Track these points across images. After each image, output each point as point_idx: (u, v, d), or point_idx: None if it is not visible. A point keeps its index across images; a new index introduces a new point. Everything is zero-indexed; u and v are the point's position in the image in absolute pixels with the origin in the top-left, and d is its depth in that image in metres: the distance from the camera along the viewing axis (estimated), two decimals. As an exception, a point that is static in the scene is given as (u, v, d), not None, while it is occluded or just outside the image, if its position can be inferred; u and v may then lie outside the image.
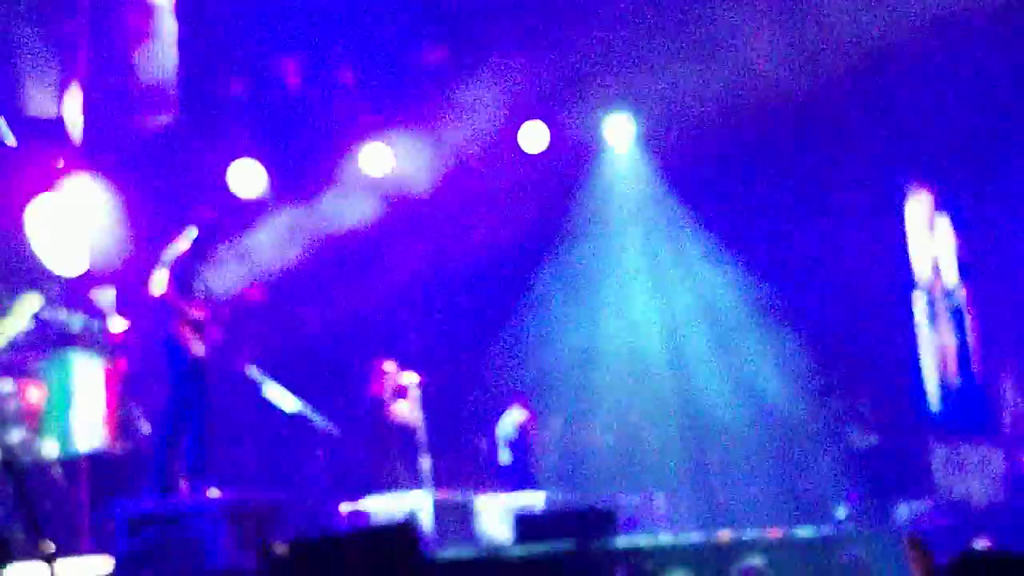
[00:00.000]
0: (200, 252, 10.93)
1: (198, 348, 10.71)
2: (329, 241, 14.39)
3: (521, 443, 14.22)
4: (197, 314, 10.71)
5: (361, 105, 15.09)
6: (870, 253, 14.81)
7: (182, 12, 14.20)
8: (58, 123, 13.45)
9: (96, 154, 13.46)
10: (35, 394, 11.90)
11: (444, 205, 15.07)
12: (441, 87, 14.80)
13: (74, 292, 13.07)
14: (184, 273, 10.74)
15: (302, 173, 14.70)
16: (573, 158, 15.43)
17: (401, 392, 13.47)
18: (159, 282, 10.63)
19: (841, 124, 14.51)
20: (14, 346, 11.84)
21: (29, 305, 11.84)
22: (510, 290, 15.41)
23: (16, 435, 11.46)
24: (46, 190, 12.95)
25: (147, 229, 12.64)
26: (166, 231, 11.14)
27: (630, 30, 14.22)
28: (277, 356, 13.42)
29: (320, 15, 14.41)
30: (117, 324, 12.74)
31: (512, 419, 14.30)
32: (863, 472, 13.90)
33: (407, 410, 13.34)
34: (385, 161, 14.94)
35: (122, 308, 12.88)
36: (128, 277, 12.39)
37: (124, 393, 12.54)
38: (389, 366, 13.69)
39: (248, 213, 14.28)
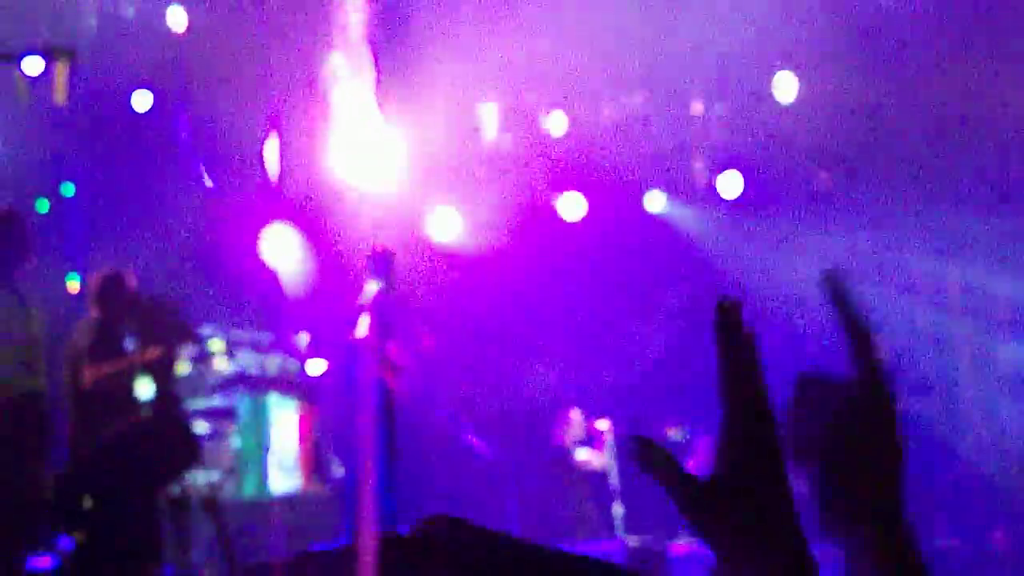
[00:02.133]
0: (398, 296, 11.07)
1: (397, 391, 10.82)
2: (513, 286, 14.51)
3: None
4: (397, 358, 10.81)
5: (559, 156, 15.18)
6: None
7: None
8: (259, 167, 13.84)
9: (291, 200, 13.74)
10: (232, 436, 12.16)
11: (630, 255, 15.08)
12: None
13: (270, 335, 13.28)
14: (385, 316, 10.88)
15: (496, 222, 14.78)
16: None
17: (590, 439, 13.41)
18: (362, 325, 10.76)
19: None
20: (211, 388, 12.10)
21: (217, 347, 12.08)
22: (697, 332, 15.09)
23: (214, 476, 11.51)
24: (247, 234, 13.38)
25: (340, 276, 12.74)
26: (358, 278, 11.20)
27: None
28: (466, 403, 13.40)
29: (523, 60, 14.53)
30: (313, 367, 12.94)
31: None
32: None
33: (596, 456, 13.28)
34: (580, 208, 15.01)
35: (318, 351, 13.10)
36: (323, 321, 12.51)
37: (319, 436, 12.72)
38: (575, 415, 13.60)
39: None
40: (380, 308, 10.82)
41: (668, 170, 15.12)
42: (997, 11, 13.09)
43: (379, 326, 10.76)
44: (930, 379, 13.80)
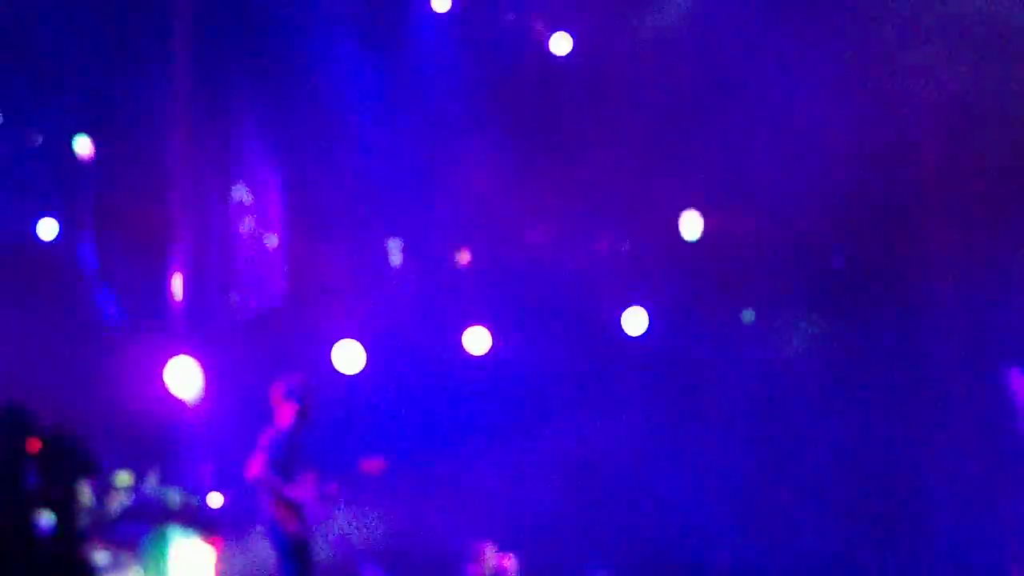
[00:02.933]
0: (300, 432, 11.00)
1: (298, 528, 10.73)
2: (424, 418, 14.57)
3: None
4: (295, 495, 10.75)
5: (467, 288, 15.35)
6: None
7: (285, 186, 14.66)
8: (163, 303, 13.94)
9: (197, 335, 13.84)
10: (133, 569, 11.96)
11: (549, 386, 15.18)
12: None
13: (173, 468, 13.29)
14: (280, 454, 10.83)
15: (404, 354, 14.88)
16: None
17: (499, 574, 13.37)
18: (253, 464, 10.75)
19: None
20: (113, 519, 12.00)
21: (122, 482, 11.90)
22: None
23: None
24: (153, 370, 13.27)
25: (248, 408, 12.61)
26: (266, 411, 11.23)
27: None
28: (375, 533, 13.38)
29: (423, 195, 14.70)
30: (215, 500, 12.81)
31: None
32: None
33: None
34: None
35: (220, 485, 12.98)
36: (226, 455, 12.44)
37: (221, 569, 12.52)
38: (488, 550, 13.55)
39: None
40: (276, 446, 10.83)
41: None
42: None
43: (273, 464, 10.73)
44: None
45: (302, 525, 10.80)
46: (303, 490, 10.82)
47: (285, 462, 10.84)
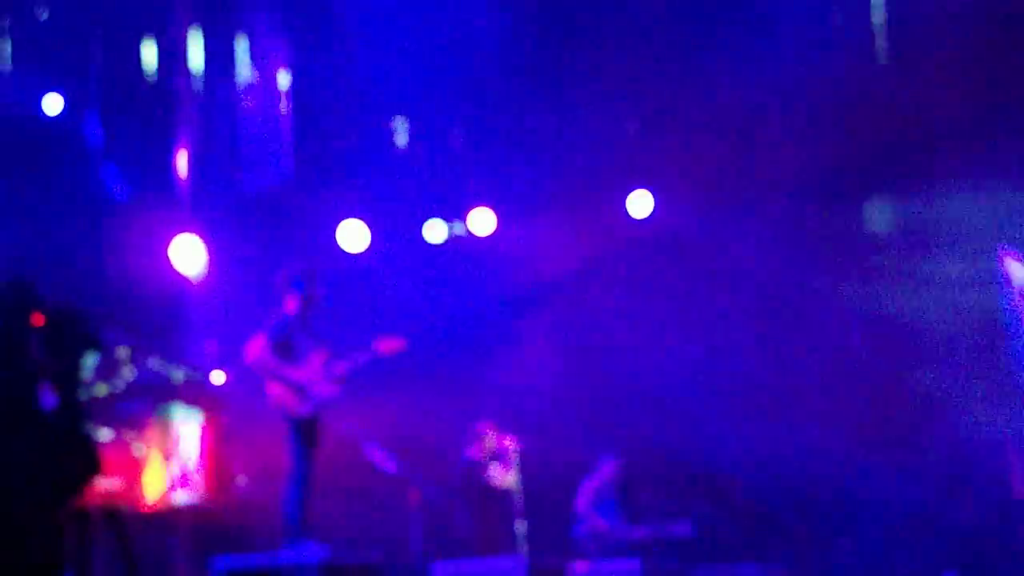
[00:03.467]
0: (306, 315, 11.04)
1: (301, 409, 10.80)
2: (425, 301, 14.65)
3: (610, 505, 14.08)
4: (297, 376, 10.80)
5: (469, 170, 15.32)
6: None
7: (294, 67, 14.62)
8: (168, 179, 14.00)
9: (202, 212, 13.91)
10: (135, 445, 12.19)
11: (552, 271, 15.23)
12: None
13: (177, 346, 13.41)
14: (281, 336, 10.89)
15: (409, 235, 14.97)
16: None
17: (499, 455, 13.46)
18: (252, 347, 10.79)
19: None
20: (116, 395, 12.09)
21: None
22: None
23: (116, 485, 11.66)
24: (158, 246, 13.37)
25: (253, 287, 12.75)
26: (272, 290, 11.25)
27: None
28: (379, 415, 13.46)
29: (433, 75, 14.62)
30: (218, 378, 12.88)
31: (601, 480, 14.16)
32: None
33: (504, 473, 13.35)
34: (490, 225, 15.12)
35: (223, 362, 13.01)
36: (230, 332, 12.50)
37: (223, 447, 12.75)
38: (487, 428, 13.65)
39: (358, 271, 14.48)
40: (277, 328, 10.88)
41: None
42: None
43: (275, 346, 10.78)
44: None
45: (304, 406, 10.85)
46: (306, 372, 10.88)
47: (289, 345, 10.88)
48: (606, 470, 14.01)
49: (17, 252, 11.58)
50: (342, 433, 12.48)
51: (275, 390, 10.83)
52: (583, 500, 13.74)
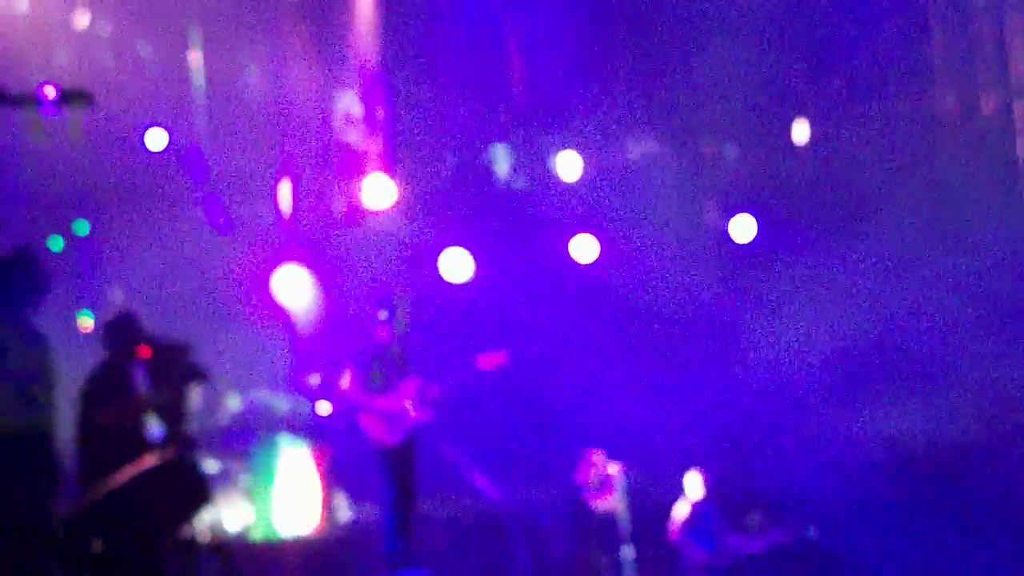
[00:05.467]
0: (397, 343, 11.13)
1: (390, 438, 10.85)
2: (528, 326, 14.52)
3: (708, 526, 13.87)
4: (386, 405, 10.83)
5: (570, 199, 15.29)
6: None
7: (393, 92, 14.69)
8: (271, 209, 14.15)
9: (303, 240, 14.01)
10: (241, 476, 12.25)
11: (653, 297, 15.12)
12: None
13: (282, 376, 13.45)
14: (372, 364, 11.02)
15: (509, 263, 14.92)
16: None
17: (604, 481, 13.31)
18: (341, 381, 11.00)
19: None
20: (221, 427, 12.24)
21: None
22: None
23: (224, 517, 11.52)
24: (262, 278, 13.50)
25: (355, 317, 12.74)
26: (372, 317, 11.30)
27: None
28: (480, 440, 13.40)
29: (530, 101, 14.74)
30: (323, 408, 12.76)
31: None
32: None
33: (611, 500, 13.20)
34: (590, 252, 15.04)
35: (328, 393, 13.01)
36: (335, 361, 12.44)
37: (329, 478, 12.73)
38: (596, 456, 13.49)
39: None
40: (360, 359, 11.02)
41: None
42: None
43: (360, 378, 10.92)
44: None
45: (394, 435, 10.91)
46: (397, 399, 10.89)
47: (380, 373, 11.02)
48: (696, 491, 13.82)
49: (123, 286, 11.64)
50: (442, 459, 12.45)
51: (366, 421, 10.94)
52: (677, 525, 13.58)
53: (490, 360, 11.35)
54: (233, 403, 12.73)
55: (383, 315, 11.15)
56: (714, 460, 14.12)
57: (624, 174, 15.28)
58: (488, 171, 15.32)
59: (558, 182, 15.29)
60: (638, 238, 15.07)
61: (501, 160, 15.32)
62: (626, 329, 15.07)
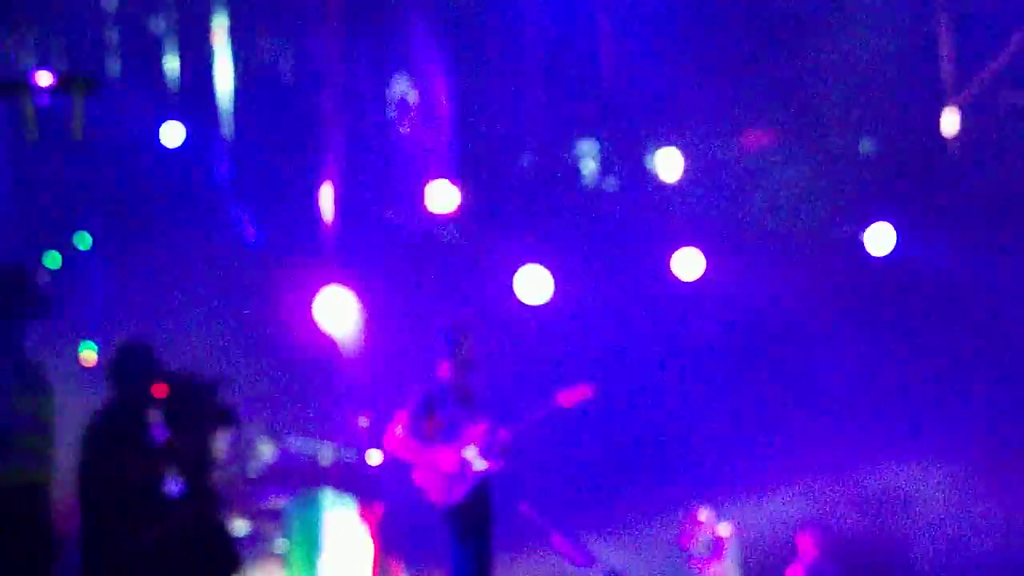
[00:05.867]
0: (460, 375, 11.09)
1: (450, 496, 10.89)
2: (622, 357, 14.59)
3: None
4: (444, 458, 10.88)
5: (675, 203, 15.35)
6: None
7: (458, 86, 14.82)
8: (311, 220, 14.16)
9: (352, 260, 14.06)
10: (277, 539, 12.29)
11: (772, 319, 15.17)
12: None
13: (324, 419, 13.52)
14: (429, 408, 11.01)
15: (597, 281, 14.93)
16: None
17: (716, 546, 13.37)
18: (390, 431, 11.01)
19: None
20: (253, 480, 12.33)
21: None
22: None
23: None
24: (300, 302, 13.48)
25: (414, 348, 12.77)
26: (433, 348, 11.30)
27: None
28: (564, 494, 13.43)
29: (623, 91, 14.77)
30: (374, 457, 12.96)
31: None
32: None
33: (721, 569, 13.28)
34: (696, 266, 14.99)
35: (379, 440, 13.01)
36: (387, 402, 12.39)
37: (384, 542, 12.74)
38: (703, 513, 13.52)
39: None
40: (412, 413, 10.98)
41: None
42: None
43: (415, 433, 10.91)
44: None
45: (454, 492, 10.88)
46: (457, 449, 10.89)
47: (441, 416, 10.99)
48: (807, 549, 13.99)
49: (133, 310, 11.67)
50: (518, 518, 12.30)
51: (423, 473, 10.93)
52: None
53: (573, 396, 11.21)
54: (267, 451, 12.75)
55: (446, 345, 11.13)
56: (845, 517, 14.39)
57: (736, 175, 15.26)
58: (573, 172, 15.28)
59: (657, 183, 15.30)
60: (751, 250, 15.12)
61: (588, 159, 15.26)
62: (737, 359, 15.07)
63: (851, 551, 14.38)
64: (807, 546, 13.96)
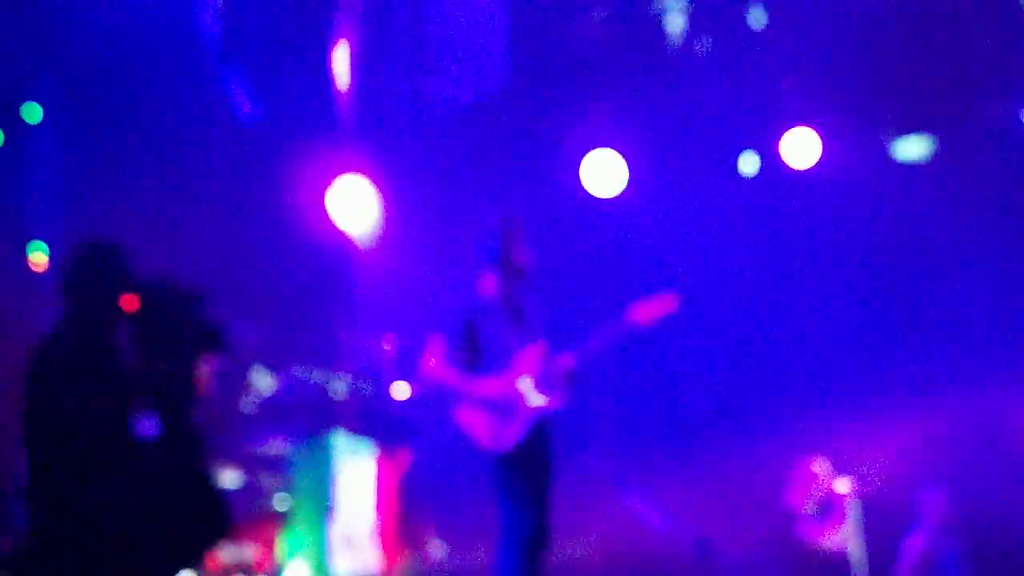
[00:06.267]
0: (508, 289, 10.88)
1: (504, 438, 10.60)
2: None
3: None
4: (496, 390, 10.60)
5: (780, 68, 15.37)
6: None
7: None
8: (322, 92, 14.14)
9: (375, 142, 14.08)
10: (276, 493, 12.30)
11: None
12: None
13: (337, 342, 13.55)
14: (472, 332, 10.75)
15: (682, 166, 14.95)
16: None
17: (829, 504, 13.49)
18: (426, 360, 10.73)
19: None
20: (246, 419, 12.23)
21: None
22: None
23: (251, 555, 11.72)
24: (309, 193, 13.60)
25: (453, 253, 12.69)
26: (474, 255, 11.07)
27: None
28: (642, 437, 13.51)
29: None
30: (400, 391, 12.96)
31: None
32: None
33: (837, 530, 13.38)
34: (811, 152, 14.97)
35: (408, 369, 12.92)
36: (419, 322, 12.16)
37: (412, 499, 12.87)
38: (817, 466, 13.61)
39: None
40: (457, 328, 10.74)
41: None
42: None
43: (456, 356, 10.66)
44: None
45: (509, 433, 10.57)
46: (512, 380, 10.60)
47: (487, 342, 10.72)
48: (933, 513, 14.20)
49: (96, 202, 11.77)
50: (585, 471, 12.49)
51: (467, 416, 10.63)
52: (907, 560, 14.04)
53: (652, 311, 10.82)
54: (264, 383, 12.62)
55: (491, 250, 10.84)
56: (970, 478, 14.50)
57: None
58: (654, 29, 15.28)
59: (760, 44, 15.32)
60: (878, 132, 15.27)
61: (674, 13, 15.26)
62: (855, 271, 15.22)
63: (987, 521, 14.42)
64: (931, 510, 14.09)
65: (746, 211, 15.14)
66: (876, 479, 13.49)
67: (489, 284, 10.79)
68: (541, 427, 10.66)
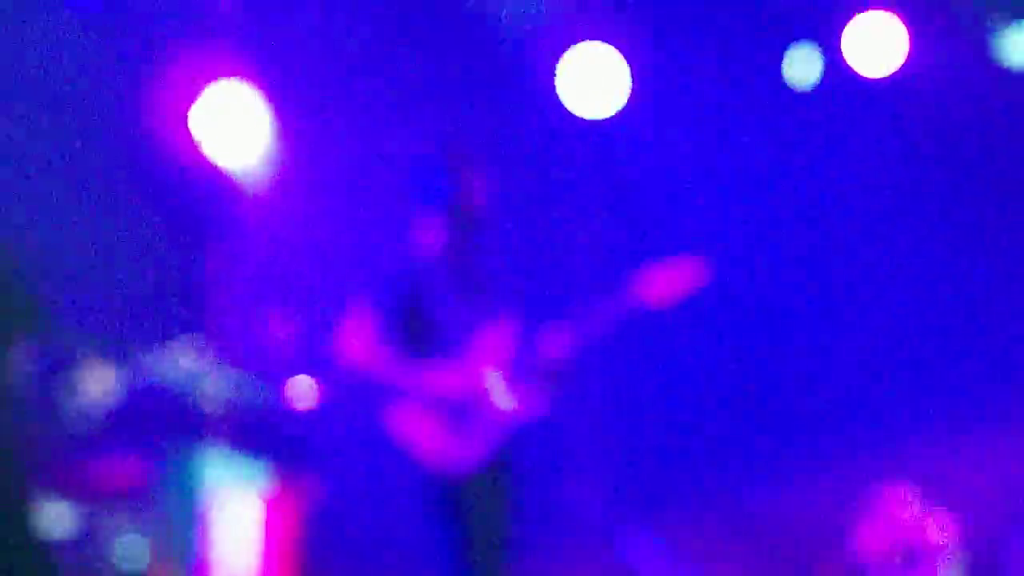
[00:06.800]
0: (459, 246, 10.33)
1: (457, 455, 10.05)
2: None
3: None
4: (445, 385, 9.99)
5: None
6: None
7: None
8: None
9: (259, 32, 13.71)
10: (127, 538, 11.60)
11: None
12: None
13: (211, 323, 13.06)
14: (411, 303, 10.25)
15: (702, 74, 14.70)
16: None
17: (922, 558, 13.40)
18: (348, 338, 10.21)
19: None
20: (84, 429, 11.57)
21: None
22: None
23: None
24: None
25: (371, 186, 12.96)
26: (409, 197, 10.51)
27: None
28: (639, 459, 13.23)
29: None
30: (303, 392, 12.59)
31: None
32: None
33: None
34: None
35: (313, 363, 12.67)
36: (328, 292, 11.86)
37: (311, 543, 12.40)
38: (896, 494, 13.88)
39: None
40: (419, 286, 10.32)
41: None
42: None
43: (391, 334, 10.17)
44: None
45: (465, 448, 9.99)
46: (468, 372, 10.03)
47: (430, 320, 10.15)
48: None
49: None
50: (572, 504, 13.17)
51: (406, 422, 10.02)
52: None
53: (666, 284, 10.41)
54: (105, 382, 11.88)
55: (435, 192, 10.26)
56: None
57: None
58: None
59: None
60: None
61: None
62: (962, 227, 15.03)
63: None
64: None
65: (796, 138, 14.93)
66: (982, 518, 13.41)
67: (432, 236, 10.25)
68: (511, 443, 10.10)
